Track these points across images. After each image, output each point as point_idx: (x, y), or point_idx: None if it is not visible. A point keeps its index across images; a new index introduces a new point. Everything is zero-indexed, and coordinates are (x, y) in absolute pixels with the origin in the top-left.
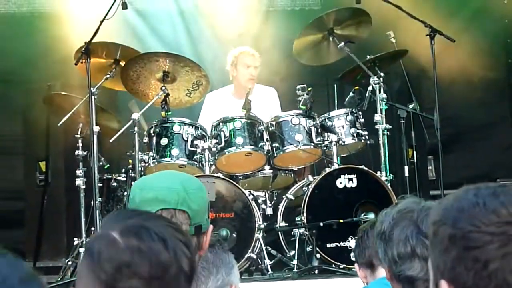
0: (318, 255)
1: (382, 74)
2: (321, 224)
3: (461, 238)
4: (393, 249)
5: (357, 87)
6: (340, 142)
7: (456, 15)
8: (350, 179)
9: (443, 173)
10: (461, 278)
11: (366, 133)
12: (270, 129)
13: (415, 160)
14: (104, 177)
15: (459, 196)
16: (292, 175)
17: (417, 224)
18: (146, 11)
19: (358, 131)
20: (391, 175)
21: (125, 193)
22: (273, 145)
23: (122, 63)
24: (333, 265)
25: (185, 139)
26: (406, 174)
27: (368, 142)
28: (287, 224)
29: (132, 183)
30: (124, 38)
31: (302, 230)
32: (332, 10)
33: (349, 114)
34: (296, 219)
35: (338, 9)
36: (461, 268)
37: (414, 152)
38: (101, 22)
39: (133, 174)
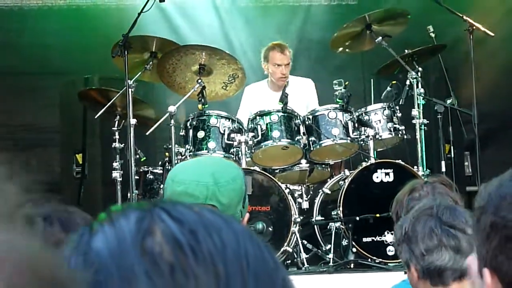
0: (354, 249)
1: (420, 68)
2: (357, 218)
3: (503, 228)
4: (418, 244)
5: (394, 82)
6: (377, 136)
7: (494, 9)
8: (387, 174)
9: (480, 169)
10: (503, 268)
11: (403, 127)
12: (307, 122)
13: (452, 156)
14: (141, 170)
15: (503, 182)
16: (329, 169)
17: (438, 216)
18: (183, 4)
19: (395, 125)
20: (428, 170)
21: (161, 185)
22: (310, 139)
23: (159, 56)
24: (369, 260)
25: (222, 132)
26: (443, 169)
27: (405, 137)
28: (323, 218)
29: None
30: (161, 31)
31: (338, 224)
32: (373, 12)
33: (386, 108)
34: (332, 213)
35: (379, 11)
36: (502, 257)
37: (451, 147)
38: (139, 15)
39: (169, 167)
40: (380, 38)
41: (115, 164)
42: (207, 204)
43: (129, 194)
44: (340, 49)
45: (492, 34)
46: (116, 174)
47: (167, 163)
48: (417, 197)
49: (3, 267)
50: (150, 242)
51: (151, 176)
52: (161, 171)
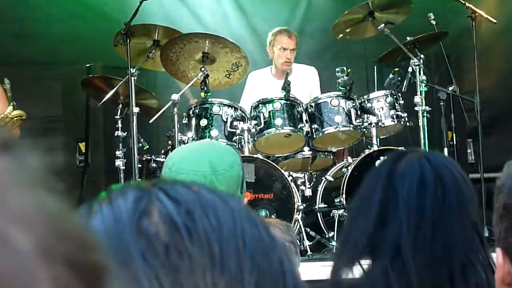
0: None
1: (422, 56)
2: None
3: None
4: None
5: (396, 69)
6: (380, 124)
7: None
8: None
9: (483, 156)
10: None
11: (405, 115)
12: (310, 110)
13: (455, 143)
14: (144, 158)
15: None
16: (331, 156)
17: None
18: None
19: (397, 113)
20: None
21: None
22: (312, 126)
23: (162, 44)
24: None
25: (225, 120)
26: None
27: (408, 124)
28: (326, 206)
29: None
30: (163, 20)
31: (341, 211)
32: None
33: (389, 96)
34: (335, 201)
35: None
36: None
37: (454, 134)
38: (140, 3)
39: None
40: (383, 25)
41: (118, 153)
42: None
43: (132, 182)
44: (342, 35)
45: (495, 21)
46: (119, 163)
47: (170, 152)
48: None
49: (33, 226)
50: (146, 222)
51: (154, 165)
52: (164, 160)
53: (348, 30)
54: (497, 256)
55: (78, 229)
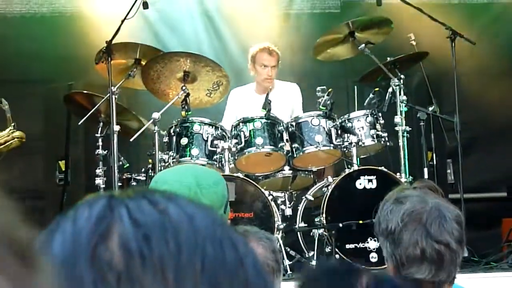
0: (337, 256)
1: (402, 76)
2: (341, 225)
3: None
4: (401, 252)
5: (377, 89)
6: (360, 143)
7: (477, 18)
8: (370, 181)
9: (462, 176)
10: None
11: (386, 134)
12: (290, 129)
13: (435, 163)
14: (124, 177)
15: None
16: (312, 176)
17: (426, 228)
18: (167, 11)
19: (378, 132)
20: (411, 177)
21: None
22: (293, 145)
23: (143, 63)
24: None
25: (205, 139)
26: (426, 176)
27: (388, 144)
28: (306, 225)
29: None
30: (145, 38)
31: (321, 230)
32: (356, 18)
33: (369, 115)
34: (316, 220)
35: (362, 18)
36: None
37: (434, 154)
38: (122, 21)
39: (152, 174)
40: (363, 45)
41: (98, 171)
42: None
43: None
44: (323, 55)
45: (474, 42)
46: (99, 181)
47: (150, 170)
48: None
49: None
50: (102, 248)
51: (135, 183)
52: (144, 178)
53: (329, 51)
54: None
55: (25, 241)
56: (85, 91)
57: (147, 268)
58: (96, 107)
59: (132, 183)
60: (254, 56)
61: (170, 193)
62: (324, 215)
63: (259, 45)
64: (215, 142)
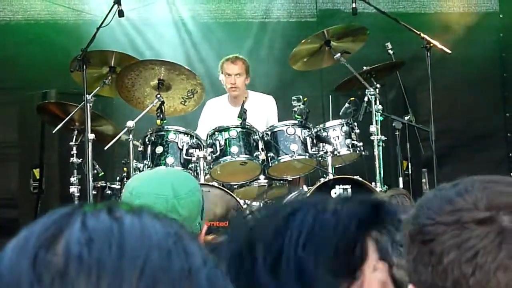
0: None
1: (378, 85)
2: None
3: (418, 233)
4: None
5: (352, 98)
6: (335, 152)
7: (451, 28)
8: (345, 190)
9: (437, 185)
10: (422, 278)
11: (361, 144)
12: (265, 138)
13: (410, 172)
14: (99, 185)
15: (427, 193)
16: (287, 185)
17: (391, 235)
18: (142, 19)
19: (353, 142)
20: (386, 186)
21: (119, 200)
22: (268, 154)
23: (118, 71)
24: None
25: (180, 147)
26: (401, 185)
27: (363, 153)
28: None
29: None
30: (120, 46)
31: None
32: (332, 27)
33: (345, 125)
34: None
35: (337, 26)
36: (420, 266)
37: (409, 164)
38: (97, 29)
39: (127, 182)
40: (339, 54)
41: (73, 179)
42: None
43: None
44: (299, 65)
45: (449, 52)
46: (73, 189)
47: (125, 178)
48: None
49: None
50: (45, 251)
51: (109, 191)
52: (119, 186)
53: (305, 60)
54: None
55: None
56: (58, 101)
57: (82, 271)
58: (70, 116)
59: (107, 192)
60: (221, 66)
61: (139, 207)
62: None
63: (226, 56)
64: (190, 150)
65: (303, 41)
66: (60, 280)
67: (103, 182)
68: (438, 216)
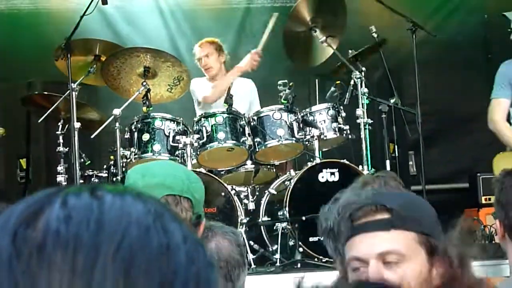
0: (300, 249)
1: (363, 68)
2: (304, 218)
3: None
4: (342, 245)
5: (338, 82)
6: (322, 136)
7: (437, 10)
8: (332, 173)
9: (424, 168)
10: None
11: (347, 127)
12: (252, 123)
13: (397, 155)
14: (86, 174)
15: None
16: (274, 169)
17: None
18: (126, 7)
19: (339, 125)
20: (373, 169)
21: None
22: (255, 140)
23: (103, 59)
24: (316, 259)
25: (167, 134)
26: (388, 168)
27: (350, 136)
28: (269, 219)
29: (114, 179)
30: (104, 35)
31: (284, 224)
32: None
33: (331, 108)
34: (279, 214)
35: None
36: None
37: (396, 146)
38: (81, 17)
39: (114, 170)
40: (324, 38)
41: (60, 168)
42: (183, 196)
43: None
44: (296, 59)
45: (435, 34)
46: (60, 178)
47: (112, 167)
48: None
49: None
50: (25, 227)
51: (96, 180)
52: (106, 175)
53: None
54: None
55: None
56: (42, 92)
57: (59, 245)
58: (55, 105)
59: (94, 180)
60: (193, 55)
61: (124, 188)
62: (287, 208)
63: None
64: (177, 137)
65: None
66: (38, 253)
67: (90, 170)
68: None
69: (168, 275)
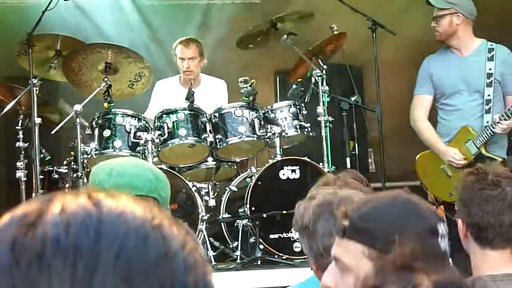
0: (261, 246)
1: (324, 66)
2: (264, 215)
3: None
4: (318, 243)
5: (299, 79)
6: (283, 134)
7: (394, 3)
8: (293, 171)
9: (384, 165)
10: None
11: (308, 125)
12: (213, 120)
13: (357, 152)
14: (45, 169)
15: None
16: (235, 166)
17: (336, 217)
18: (87, 2)
19: (300, 123)
20: (333, 167)
21: (67, 185)
22: (216, 136)
23: (64, 55)
24: (276, 256)
25: (128, 130)
26: (348, 166)
27: (311, 134)
28: (230, 216)
29: (74, 175)
30: (66, 30)
31: (245, 221)
32: (279, 15)
33: (292, 106)
34: (239, 211)
35: (286, 14)
36: None
37: (356, 144)
38: (43, 12)
39: (75, 166)
40: (285, 36)
41: (19, 164)
42: (150, 196)
43: (34, 194)
44: (246, 46)
45: (395, 33)
46: (20, 174)
47: (72, 162)
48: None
49: None
50: (24, 235)
51: (56, 176)
52: (66, 171)
53: (252, 43)
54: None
55: None
56: (4, 84)
57: (59, 254)
58: (16, 99)
59: (54, 176)
60: (174, 49)
61: (119, 193)
62: (248, 205)
63: (179, 39)
64: (138, 133)
65: (250, 27)
66: (38, 262)
67: (50, 166)
68: None
69: (167, 282)
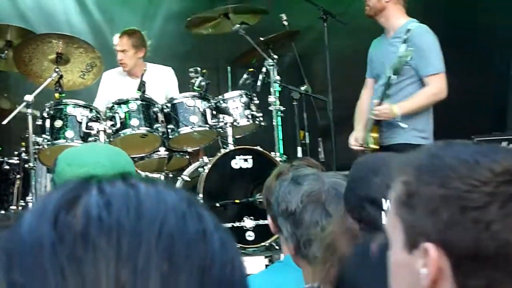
0: None
1: (275, 56)
2: (218, 204)
3: (457, 198)
4: (303, 232)
5: (251, 69)
6: (235, 123)
7: None
8: (245, 160)
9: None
10: (455, 240)
11: (260, 114)
12: (165, 110)
13: (307, 142)
14: None
15: (435, 154)
16: (187, 156)
17: (324, 207)
18: None
19: (252, 112)
20: (285, 156)
21: (18, 176)
22: (168, 126)
23: (15, 45)
24: None
25: (80, 121)
26: (299, 155)
27: (262, 123)
28: None
29: (25, 165)
30: (16, 20)
31: None
32: (232, 5)
33: (244, 96)
34: None
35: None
36: (457, 229)
37: (306, 133)
38: None
39: (26, 157)
40: (238, 25)
41: None
42: None
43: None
44: (196, 31)
45: (346, 22)
46: None
47: (23, 153)
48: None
49: None
50: (65, 214)
51: (7, 167)
52: (17, 161)
53: (202, 28)
54: (427, 252)
55: None
56: None
57: (103, 231)
58: None
59: (5, 167)
60: (114, 40)
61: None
62: (200, 195)
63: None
64: (90, 124)
65: (201, 13)
66: (82, 239)
67: (0, 157)
68: (483, 185)
69: (206, 260)
